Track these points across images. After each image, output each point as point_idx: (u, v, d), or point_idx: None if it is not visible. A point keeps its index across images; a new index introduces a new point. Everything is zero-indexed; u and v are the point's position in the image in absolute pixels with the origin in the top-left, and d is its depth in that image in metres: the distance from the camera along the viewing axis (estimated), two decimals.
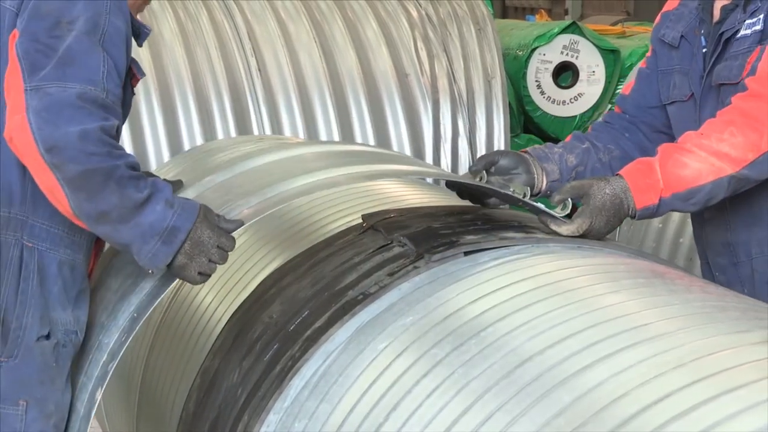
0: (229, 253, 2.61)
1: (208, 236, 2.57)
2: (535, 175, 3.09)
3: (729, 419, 1.73)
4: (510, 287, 2.46)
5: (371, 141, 6.59)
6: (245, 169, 3.03)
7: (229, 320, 3.08)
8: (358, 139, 6.59)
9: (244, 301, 3.12)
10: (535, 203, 2.83)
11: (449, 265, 2.65)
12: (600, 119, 3.37)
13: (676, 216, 5.15)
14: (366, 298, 2.65)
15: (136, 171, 2.53)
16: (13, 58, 2.52)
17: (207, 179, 2.97)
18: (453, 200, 3.23)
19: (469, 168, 3.15)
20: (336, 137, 6.51)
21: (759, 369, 1.88)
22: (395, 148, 6.62)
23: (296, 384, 2.60)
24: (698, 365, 1.93)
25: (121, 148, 2.53)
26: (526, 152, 3.15)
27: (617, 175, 2.87)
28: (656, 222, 5.20)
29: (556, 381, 2.03)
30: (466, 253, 2.68)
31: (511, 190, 2.95)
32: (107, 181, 2.47)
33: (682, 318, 2.18)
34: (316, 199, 3.53)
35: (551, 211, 2.79)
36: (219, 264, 2.60)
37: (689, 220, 5.12)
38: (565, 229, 2.75)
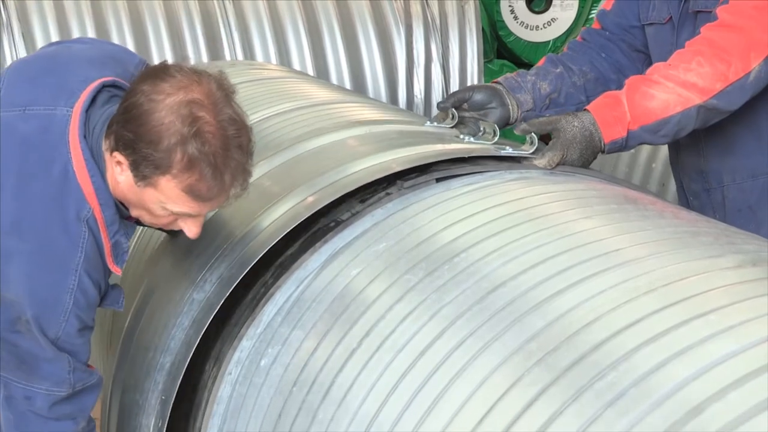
0: None
1: None
2: (510, 107, 3.08)
3: (700, 343, 1.75)
4: (482, 213, 2.46)
5: (344, 67, 6.54)
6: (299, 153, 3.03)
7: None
8: (331, 64, 6.54)
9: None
10: (501, 151, 2.78)
11: (422, 192, 2.65)
12: (578, 37, 3.33)
13: None
14: (338, 224, 2.65)
15: None
16: None
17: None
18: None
19: (438, 104, 3.14)
20: (308, 63, 6.46)
21: (730, 294, 1.89)
22: (368, 74, 6.58)
23: (269, 310, 2.60)
24: (669, 290, 1.94)
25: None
26: (498, 83, 3.13)
27: (585, 110, 2.85)
28: None
29: (528, 306, 2.04)
30: (438, 180, 2.68)
31: (482, 128, 2.93)
32: None
33: (654, 243, 2.18)
34: (287, 125, 3.51)
35: (520, 153, 2.76)
36: None
37: (661, 146, 5.14)
38: (537, 162, 2.74)
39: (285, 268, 2.62)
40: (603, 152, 2.84)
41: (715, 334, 1.76)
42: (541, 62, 3.24)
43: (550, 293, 2.05)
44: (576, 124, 2.78)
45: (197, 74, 2.39)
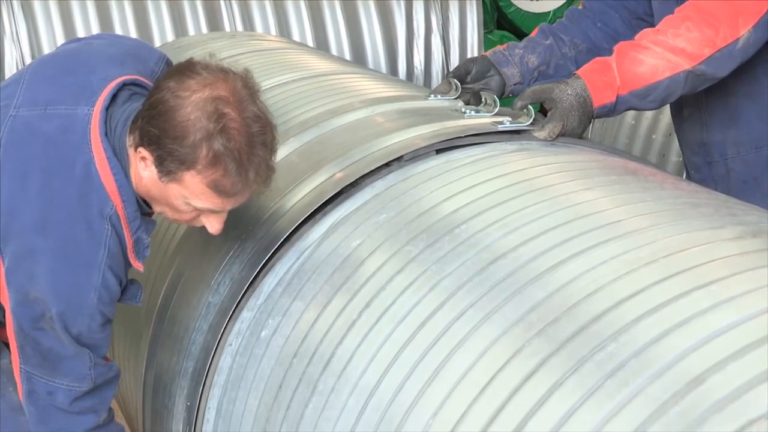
0: None
1: None
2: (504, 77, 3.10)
3: (700, 315, 1.75)
4: (483, 185, 2.45)
5: (344, 38, 6.52)
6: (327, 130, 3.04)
7: None
8: (331, 35, 6.52)
9: None
10: (499, 126, 2.78)
11: (422, 163, 2.65)
12: (580, 4, 3.32)
13: (649, 113, 5.15)
14: (339, 195, 2.65)
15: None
16: (9, 323, 2.49)
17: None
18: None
19: (446, 76, 3.14)
20: (308, 34, 6.44)
21: (730, 265, 1.90)
22: (368, 45, 6.56)
23: (269, 281, 2.60)
24: (670, 261, 1.94)
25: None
26: (485, 57, 3.14)
27: (574, 75, 2.85)
28: (629, 119, 5.20)
29: (529, 277, 2.04)
30: (438, 152, 2.68)
31: (483, 99, 2.94)
32: None
33: (655, 215, 2.18)
34: (291, 95, 3.51)
35: (517, 126, 2.76)
36: None
37: (661, 116, 5.14)
38: (537, 134, 2.74)
39: (286, 239, 2.62)
40: (593, 117, 2.86)
41: (716, 306, 1.76)
42: (533, 33, 3.24)
43: (550, 264, 2.05)
44: (570, 92, 2.78)
45: (223, 71, 2.42)
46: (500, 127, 2.75)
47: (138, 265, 2.56)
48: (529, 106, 2.79)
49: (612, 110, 2.85)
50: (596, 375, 1.73)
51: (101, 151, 2.45)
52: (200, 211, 2.46)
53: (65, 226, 2.45)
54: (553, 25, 3.26)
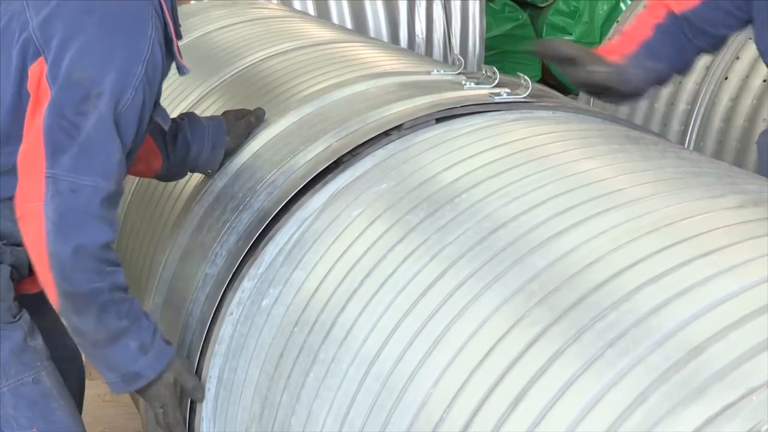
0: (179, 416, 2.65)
1: (168, 394, 2.59)
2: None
3: (701, 283, 1.75)
4: (484, 154, 2.45)
5: (345, 6, 6.50)
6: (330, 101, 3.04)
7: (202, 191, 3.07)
8: (332, 3, 6.50)
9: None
10: (496, 98, 2.78)
11: (422, 133, 2.64)
12: (659, 18, 3.12)
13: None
14: (339, 165, 2.64)
15: (121, 292, 2.50)
16: (38, 131, 2.46)
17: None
18: None
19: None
20: (309, 2, 6.42)
21: (731, 234, 1.89)
22: (369, 13, 6.54)
23: (270, 251, 2.60)
24: (671, 230, 1.94)
25: (114, 263, 2.49)
26: None
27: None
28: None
29: (530, 246, 2.04)
30: (439, 120, 2.67)
31: (484, 71, 2.97)
32: (89, 304, 2.46)
33: (656, 183, 2.18)
34: (291, 65, 3.50)
35: (514, 98, 2.76)
36: (169, 421, 2.63)
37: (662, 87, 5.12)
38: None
39: (286, 208, 2.62)
40: None
41: (717, 274, 1.76)
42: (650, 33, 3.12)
43: (551, 233, 2.05)
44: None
45: None
46: (497, 99, 2.74)
47: (184, 64, 2.67)
48: (527, 77, 2.78)
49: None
50: (597, 344, 1.73)
51: None
52: None
53: (113, 3, 2.51)
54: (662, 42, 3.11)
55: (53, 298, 2.47)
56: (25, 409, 2.63)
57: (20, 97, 2.52)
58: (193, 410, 2.65)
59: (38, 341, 2.67)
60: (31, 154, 2.47)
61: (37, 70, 2.48)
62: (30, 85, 2.49)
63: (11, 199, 2.52)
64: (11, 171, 2.53)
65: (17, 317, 2.64)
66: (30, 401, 2.64)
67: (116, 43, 2.49)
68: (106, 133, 2.47)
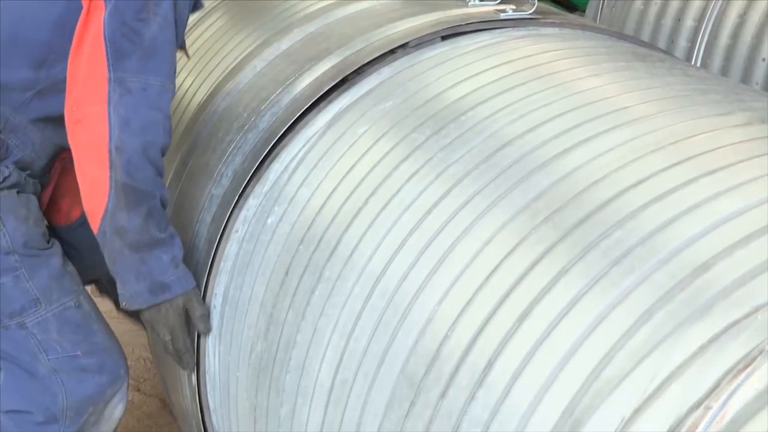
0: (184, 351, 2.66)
1: (177, 320, 2.60)
2: None
3: (707, 201, 1.74)
4: (490, 71, 2.43)
5: None
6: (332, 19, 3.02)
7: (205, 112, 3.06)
8: None
9: (221, 81, 3.09)
10: (501, 15, 2.75)
11: (428, 50, 2.62)
12: None
13: None
14: (344, 83, 2.63)
15: (164, 207, 2.57)
16: (98, 37, 2.49)
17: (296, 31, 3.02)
18: None
19: None
20: None
21: (738, 152, 1.89)
22: None
23: (276, 168, 2.60)
24: (677, 148, 1.93)
25: (163, 176, 2.57)
26: None
27: None
28: (638, 3, 5.14)
29: (535, 165, 2.03)
30: (444, 38, 2.65)
31: None
32: (142, 203, 2.50)
33: (662, 101, 2.17)
34: None
35: (519, 15, 2.73)
36: (178, 347, 2.64)
37: (671, 2, 5.07)
38: None
39: (291, 128, 2.61)
40: None
41: (723, 192, 1.76)
42: None
43: (557, 151, 2.04)
44: None
45: None
46: (502, 16, 2.72)
47: None
48: None
49: None
50: (602, 262, 1.73)
51: None
52: None
53: None
54: None
55: (103, 197, 2.50)
56: (70, 333, 2.66)
57: (69, 11, 2.56)
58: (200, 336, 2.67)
59: (72, 266, 2.69)
60: (91, 61, 2.51)
61: None
62: None
63: (41, 120, 2.56)
64: (48, 89, 2.56)
65: (50, 243, 2.66)
66: (74, 325, 2.67)
67: None
68: (169, 36, 2.55)
